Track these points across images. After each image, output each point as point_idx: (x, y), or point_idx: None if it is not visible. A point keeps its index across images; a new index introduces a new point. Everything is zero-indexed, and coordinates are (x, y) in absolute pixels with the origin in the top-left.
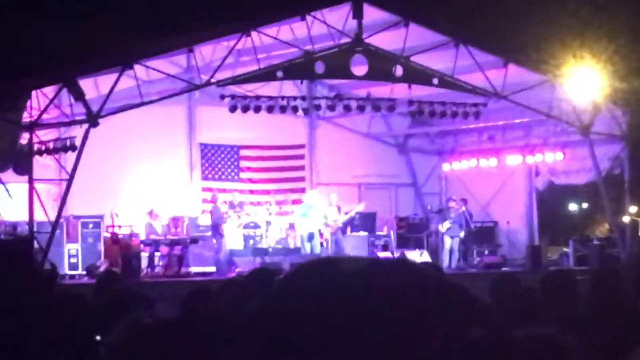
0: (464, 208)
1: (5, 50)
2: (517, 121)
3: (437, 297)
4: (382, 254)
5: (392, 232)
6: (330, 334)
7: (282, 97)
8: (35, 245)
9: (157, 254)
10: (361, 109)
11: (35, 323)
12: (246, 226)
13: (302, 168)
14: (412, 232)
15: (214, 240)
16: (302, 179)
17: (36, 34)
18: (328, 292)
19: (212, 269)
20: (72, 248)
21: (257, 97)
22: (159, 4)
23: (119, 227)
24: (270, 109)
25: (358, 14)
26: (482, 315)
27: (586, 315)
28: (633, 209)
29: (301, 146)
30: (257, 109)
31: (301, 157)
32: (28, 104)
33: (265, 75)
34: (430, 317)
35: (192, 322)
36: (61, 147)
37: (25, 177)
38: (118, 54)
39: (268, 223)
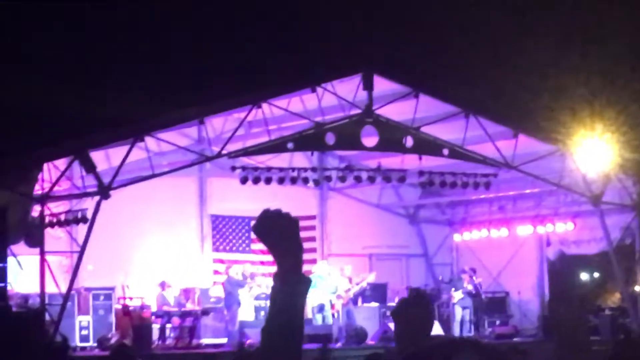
0: (475, 278)
1: (17, 123)
2: (527, 191)
3: None
4: (393, 324)
5: None
6: None
7: (293, 169)
8: (47, 317)
9: (168, 325)
10: (372, 179)
11: None
12: (257, 297)
13: (313, 239)
14: None
15: (225, 312)
16: (313, 250)
17: (48, 107)
18: None
19: (224, 340)
20: (83, 320)
21: (268, 169)
22: (171, 76)
23: (130, 298)
24: (281, 180)
25: (368, 85)
26: None
27: None
28: None
29: (312, 217)
30: (268, 181)
31: (312, 228)
32: (40, 176)
33: (276, 146)
34: None
35: None
36: (72, 219)
37: (37, 249)
38: (129, 127)
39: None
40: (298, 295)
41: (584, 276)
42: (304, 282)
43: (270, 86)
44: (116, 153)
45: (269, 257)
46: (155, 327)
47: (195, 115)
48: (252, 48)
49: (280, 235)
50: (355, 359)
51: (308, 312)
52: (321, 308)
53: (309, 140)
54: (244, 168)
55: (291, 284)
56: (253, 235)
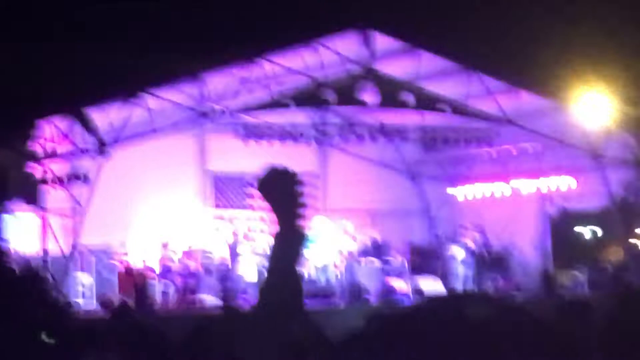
0: (476, 235)
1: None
2: (528, 147)
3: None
4: (395, 281)
5: (404, 260)
6: None
7: (293, 125)
8: (47, 276)
9: (169, 284)
10: (373, 136)
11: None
12: (258, 254)
13: (312, 196)
14: (425, 259)
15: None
16: (312, 207)
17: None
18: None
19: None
20: (84, 279)
21: (268, 126)
22: (167, 33)
23: (131, 258)
24: (280, 137)
25: (367, 42)
26: None
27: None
28: None
29: (312, 174)
30: (268, 137)
31: (312, 185)
32: (37, 134)
33: (275, 104)
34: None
35: None
36: (72, 178)
37: (38, 208)
38: (126, 84)
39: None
40: (296, 253)
41: (586, 232)
42: (302, 238)
43: (267, 42)
44: (116, 112)
45: (269, 215)
46: (158, 287)
47: (192, 70)
48: (249, 3)
49: (282, 192)
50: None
51: (311, 270)
52: (324, 268)
53: (308, 97)
54: (244, 126)
55: (290, 241)
56: (253, 192)
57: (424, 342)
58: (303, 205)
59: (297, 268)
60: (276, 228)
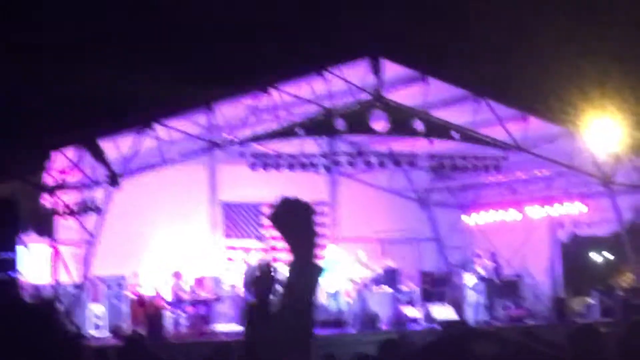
0: (490, 263)
1: (26, 112)
2: (538, 173)
3: None
4: (407, 309)
5: (416, 287)
6: None
7: (303, 155)
8: (60, 307)
9: (182, 314)
10: (382, 164)
11: None
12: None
13: (323, 225)
14: (436, 286)
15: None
16: (323, 235)
17: (56, 95)
18: None
19: (237, 327)
20: (96, 309)
21: (278, 155)
22: (179, 62)
23: (142, 287)
24: (291, 166)
25: (376, 70)
26: None
27: None
28: None
29: (322, 203)
30: (278, 167)
31: (323, 214)
32: (50, 165)
33: (286, 132)
34: None
35: None
36: (83, 209)
37: (47, 239)
38: (139, 114)
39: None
40: (312, 284)
41: (597, 257)
42: (318, 271)
43: (278, 71)
44: (126, 142)
45: (280, 244)
46: (169, 316)
47: (203, 100)
48: (259, 33)
49: (295, 224)
50: (369, 345)
51: (322, 297)
52: (335, 294)
53: (318, 125)
54: (254, 155)
55: (305, 274)
56: (264, 222)
57: None
58: (317, 236)
59: (313, 300)
60: (291, 259)
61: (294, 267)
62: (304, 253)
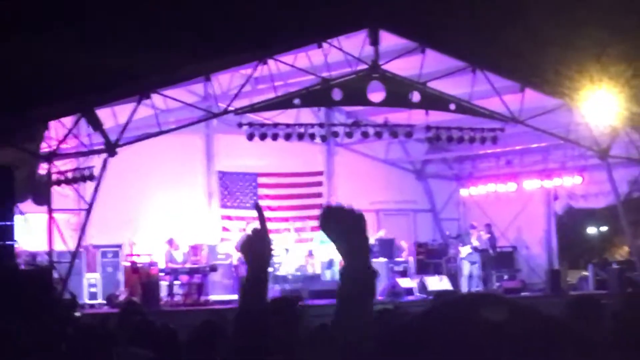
0: (485, 234)
1: (23, 81)
2: (534, 146)
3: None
4: (401, 280)
5: (411, 258)
6: None
7: (300, 125)
8: (55, 275)
9: (176, 282)
10: (379, 135)
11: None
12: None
13: (320, 195)
14: (431, 257)
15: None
16: (320, 206)
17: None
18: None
19: (232, 296)
20: (91, 277)
21: (275, 125)
22: (176, 32)
23: (138, 255)
24: (287, 137)
25: (374, 41)
26: None
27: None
28: None
29: (319, 173)
30: (275, 137)
31: (319, 184)
32: (46, 134)
33: (283, 102)
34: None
35: None
36: (80, 177)
37: (44, 207)
38: (135, 83)
39: (287, 250)
40: (367, 293)
41: (592, 230)
42: (372, 278)
43: (276, 42)
44: (123, 111)
45: (276, 214)
46: (164, 284)
47: (201, 71)
48: (258, 2)
49: (346, 231)
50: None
51: (317, 268)
52: (330, 264)
53: (315, 96)
54: (250, 124)
55: (360, 283)
56: (260, 191)
57: (434, 343)
58: (367, 243)
59: (368, 308)
60: (343, 265)
61: (344, 274)
62: (356, 261)
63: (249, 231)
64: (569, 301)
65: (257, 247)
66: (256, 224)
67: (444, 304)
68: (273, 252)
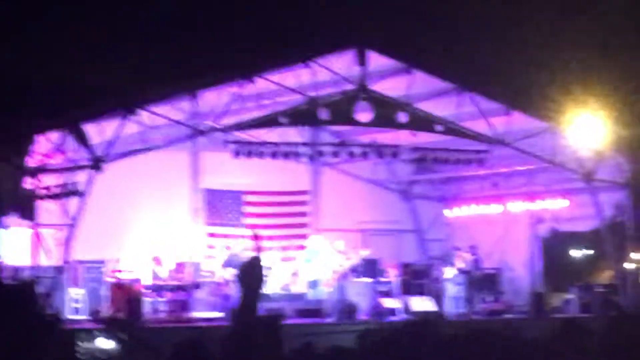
0: (470, 256)
1: (9, 95)
2: (520, 168)
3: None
4: (386, 300)
5: (396, 279)
6: None
7: (286, 143)
8: (39, 289)
9: (160, 299)
10: (365, 155)
11: None
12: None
13: (305, 214)
14: (416, 278)
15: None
16: (305, 225)
17: (40, 79)
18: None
19: (215, 314)
20: (75, 293)
21: (261, 143)
22: (164, 50)
23: (122, 272)
24: (274, 155)
25: (362, 61)
26: None
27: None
28: (636, 256)
29: (304, 192)
30: (261, 155)
31: (305, 203)
32: (32, 148)
33: (269, 121)
34: None
35: None
36: (65, 193)
37: (28, 222)
38: (122, 99)
39: (271, 269)
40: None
41: (577, 253)
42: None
43: (263, 60)
44: (110, 127)
45: (261, 232)
46: (148, 301)
47: (187, 88)
48: (245, 22)
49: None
50: (347, 334)
51: (302, 287)
52: (315, 283)
53: (302, 115)
54: (237, 142)
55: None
56: (246, 210)
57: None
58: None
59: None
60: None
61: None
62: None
63: (235, 250)
64: (554, 327)
65: (255, 273)
66: (245, 245)
67: (408, 324)
68: (266, 279)
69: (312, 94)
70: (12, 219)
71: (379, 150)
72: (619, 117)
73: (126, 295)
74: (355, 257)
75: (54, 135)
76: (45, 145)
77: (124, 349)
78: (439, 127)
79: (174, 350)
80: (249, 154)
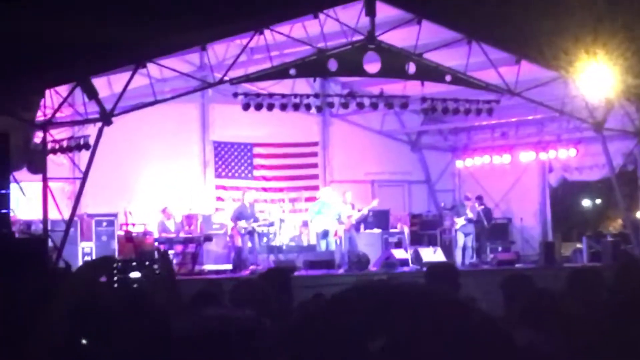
0: (478, 206)
1: (18, 49)
2: (530, 118)
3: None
4: (396, 251)
5: (405, 229)
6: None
7: (295, 95)
8: (50, 243)
9: (170, 252)
10: (374, 106)
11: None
12: (260, 224)
13: (315, 166)
14: (426, 229)
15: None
16: (315, 176)
17: (49, 33)
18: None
19: (226, 266)
20: (86, 246)
21: (270, 95)
22: (172, 2)
23: (133, 225)
24: (283, 107)
25: (371, 12)
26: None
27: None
28: None
29: (314, 144)
30: (270, 107)
31: (314, 154)
32: (42, 102)
33: (278, 73)
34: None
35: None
36: (75, 146)
37: (39, 176)
38: (131, 52)
39: (281, 220)
40: None
41: (586, 203)
42: None
43: (272, 11)
44: (118, 80)
45: (271, 184)
46: (157, 252)
47: (197, 40)
48: None
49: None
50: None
51: (312, 238)
52: (325, 234)
53: (311, 66)
54: (246, 94)
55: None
56: (255, 161)
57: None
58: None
59: None
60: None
61: None
62: None
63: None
64: (569, 274)
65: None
66: (253, 194)
67: (354, 290)
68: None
69: (321, 45)
70: (23, 174)
71: (388, 100)
72: (628, 66)
73: (136, 248)
74: (365, 208)
75: (63, 89)
76: (54, 99)
77: (150, 279)
78: (448, 77)
79: (190, 301)
80: (258, 106)
